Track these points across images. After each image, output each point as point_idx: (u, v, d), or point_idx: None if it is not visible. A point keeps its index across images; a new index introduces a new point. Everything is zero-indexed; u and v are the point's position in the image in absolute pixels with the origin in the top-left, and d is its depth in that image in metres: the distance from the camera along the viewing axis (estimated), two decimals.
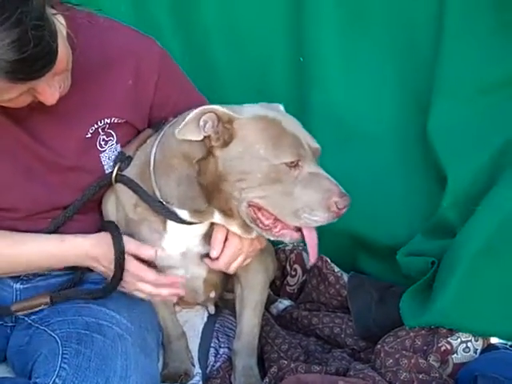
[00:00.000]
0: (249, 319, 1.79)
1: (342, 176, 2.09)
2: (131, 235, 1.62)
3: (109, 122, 1.61)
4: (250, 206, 1.47)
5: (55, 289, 1.68)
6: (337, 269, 2.12)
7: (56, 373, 1.42)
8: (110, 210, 1.67)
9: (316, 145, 1.53)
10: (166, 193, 1.56)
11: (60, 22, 1.41)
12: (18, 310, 1.63)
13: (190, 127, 1.45)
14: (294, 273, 2.21)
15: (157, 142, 1.59)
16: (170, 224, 1.60)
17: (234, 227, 1.55)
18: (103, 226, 1.62)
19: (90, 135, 1.59)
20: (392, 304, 1.87)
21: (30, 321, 1.65)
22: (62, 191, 1.60)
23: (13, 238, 1.56)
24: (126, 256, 1.55)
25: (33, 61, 1.26)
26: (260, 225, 1.49)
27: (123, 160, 1.62)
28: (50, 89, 1.40)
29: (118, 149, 1.64)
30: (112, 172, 1.62)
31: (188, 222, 1.57)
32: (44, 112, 1.50)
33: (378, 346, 1.72)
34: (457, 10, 1.94)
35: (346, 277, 2.11)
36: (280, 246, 2.26)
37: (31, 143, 1.54)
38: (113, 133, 1.63)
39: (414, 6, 2.04)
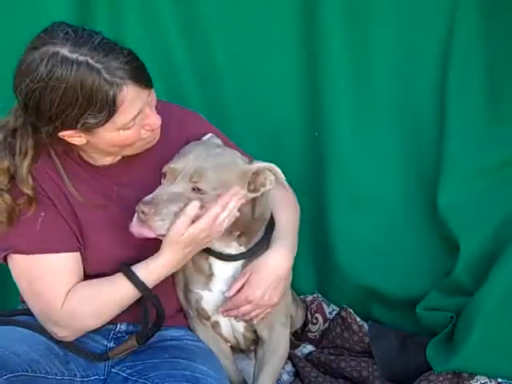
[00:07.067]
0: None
1: (359, 236, 2.46)
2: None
3: None
4: None
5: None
6: (359, 319, 2.39)
7: None
8: None
9: None
10: None
11: None
12: (113, 355, 1.82)
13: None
14: (315, 321, 2.47)
15: None
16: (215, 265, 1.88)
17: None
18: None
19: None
20: (415, 353, 2.20)
21: (125, 374, 1.78)
22: (143, 251, 1.76)
23: (107, 282, 1.77)
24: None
25: (144, 68, 1.66)
26: None
27: None
28: (154, 113, 1.71)
29: None
30: None
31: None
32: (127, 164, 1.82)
33: None
34: (456, 102, 2.32)
35: (366, 326, 2.39)
36: (301, 296, 2.51)
37: (119, 189, 1.82)
38: None
39: (418, 94, 2.41)
